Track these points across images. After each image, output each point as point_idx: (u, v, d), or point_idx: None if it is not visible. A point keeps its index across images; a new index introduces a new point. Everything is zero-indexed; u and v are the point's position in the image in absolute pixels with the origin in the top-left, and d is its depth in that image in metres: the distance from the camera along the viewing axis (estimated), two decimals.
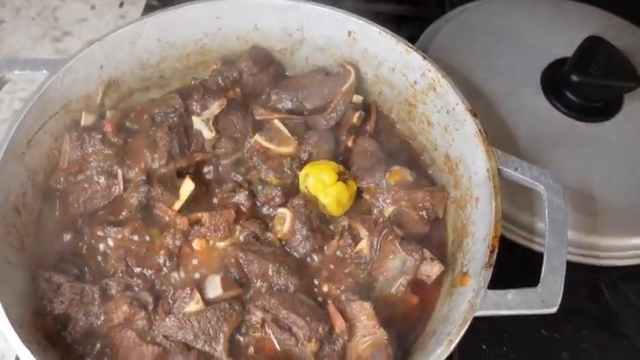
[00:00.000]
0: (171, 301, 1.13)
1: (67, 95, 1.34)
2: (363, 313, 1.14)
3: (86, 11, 2.10)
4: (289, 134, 1.37)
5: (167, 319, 1.11)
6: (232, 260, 1.22)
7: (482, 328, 1.38)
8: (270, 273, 1.20)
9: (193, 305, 1.12)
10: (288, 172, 1.33)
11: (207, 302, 1.13)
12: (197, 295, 1.12)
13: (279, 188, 1.30)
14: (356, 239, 1.26)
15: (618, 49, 1.56)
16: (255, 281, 1.21)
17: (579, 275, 1.47)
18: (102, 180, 1.30)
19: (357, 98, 1.46)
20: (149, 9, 1.99)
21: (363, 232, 1.27)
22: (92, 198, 1.30)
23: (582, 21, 1.76)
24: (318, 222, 1.27)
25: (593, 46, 1.57)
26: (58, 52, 2.02)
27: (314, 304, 1.17)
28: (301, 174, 1.32)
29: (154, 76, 1.49)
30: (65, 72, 1.32)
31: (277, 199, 1.29)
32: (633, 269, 1.49)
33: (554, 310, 1.08)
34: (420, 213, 1.30)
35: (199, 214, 1.26)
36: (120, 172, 1.31)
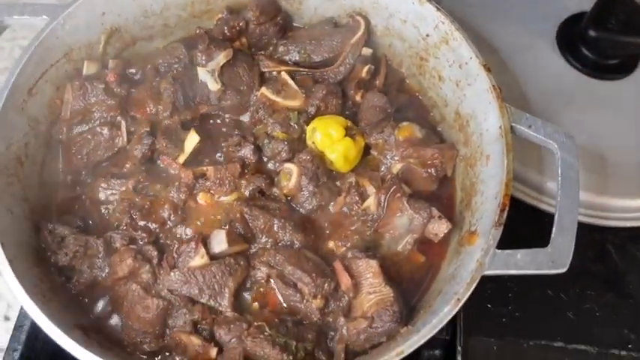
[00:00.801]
0: (175, 255, 1.13)
1: (68, 43, 1.31)
2: (369, 270, 1.13)
3: None
4: (296, 87, 1.33)
5: (172, 273, 1.11)
6: (237, 215, 1.20)
7: (487, 287, 1.38)
8: (275, 229, 1.19)
9: (198, 259, 1.11)
10: (295, 126, 1.30)
11: (213, 257, 1.13)
12: (202, 250, 1.11)
13: (286, 143, 1.27)
14: (363, 196, 1.24)
15: (639, 5, 1.50)
16: (260, 236, 1.19)
17: (586, 236, 1.45)
18: (105, 131, 1.28)
19: (367, 51, 1.41)
20: None
21: (370, 189, 1.25)
22: (95, 149, 1.28)
23: None
24: (324, 178, 1.25)
25: (612, 1, 1.51)
26: None
27: (320, 260, 1.17)
28: (308, 128, 1.30)
29: (158, 24, 1.44)
30: (66, 18, 1.28)
31: (283, 154, 1.27)
32: None
33: (563, 270, 1.07)
34: (429, 170, 1.28)
35: (204, 168, 1.24)
36: (123, 123, 1.28)
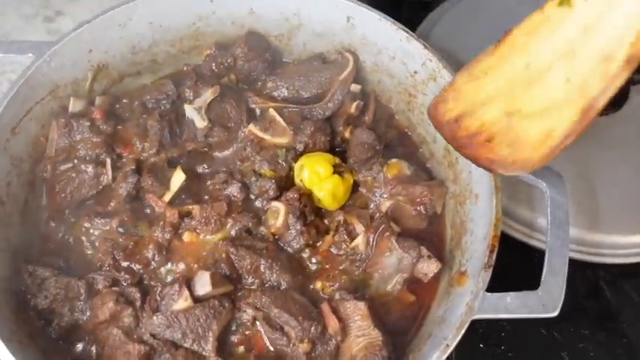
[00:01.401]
0: (158, 298, 1.10)
1: (54, 80, 1.29)
2: (357, 312, 1.11)
3: None
4: (284, 124, 1.32)
5: (155, 317, 1.08)
6: (223, 255, 1.18)
7: (479, 326, 1.35)
8: (262, 269, 1.16)
9: (182, 303, 1.08)
10: (283, 163, 1.29)
11: (196, 299, 1.10)
12: (186, 292, 1.09)
13: (273, 181, 1.25)
14: (351, 235, 1.23)
15: None
16: (246, 277, 1.17)
17: (579, 272, 1.44)
18: (90, 169, 1.26)
19: (356, 87, 1.41)
20: None
21: (359, 228, 1.23)
22: (80, 187, 1.26)
23: None
24: (312, 216, 1.23)
25: None
26: (49, 32, 1.96)
27: (307, 302, 1.14)
28: (296, 166, 1.28)
29: (146, 60, 1.44)
30: (52, 56, 1.27)
31: (271, 192, 1.25)
32: (634, 267, 1.45)
33: (554, 314, 1.05)
34: (418, 208, 1.26)
35: (190, 207, 1.22)
36: (109, 161, 1.27)
